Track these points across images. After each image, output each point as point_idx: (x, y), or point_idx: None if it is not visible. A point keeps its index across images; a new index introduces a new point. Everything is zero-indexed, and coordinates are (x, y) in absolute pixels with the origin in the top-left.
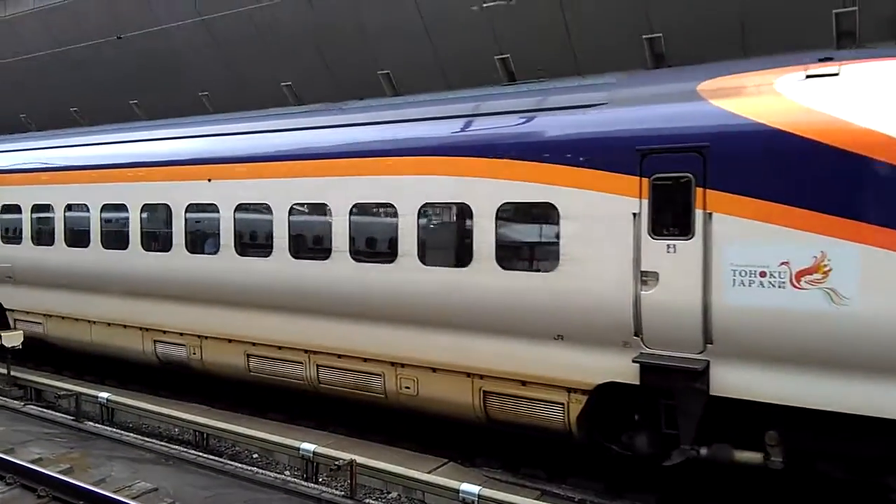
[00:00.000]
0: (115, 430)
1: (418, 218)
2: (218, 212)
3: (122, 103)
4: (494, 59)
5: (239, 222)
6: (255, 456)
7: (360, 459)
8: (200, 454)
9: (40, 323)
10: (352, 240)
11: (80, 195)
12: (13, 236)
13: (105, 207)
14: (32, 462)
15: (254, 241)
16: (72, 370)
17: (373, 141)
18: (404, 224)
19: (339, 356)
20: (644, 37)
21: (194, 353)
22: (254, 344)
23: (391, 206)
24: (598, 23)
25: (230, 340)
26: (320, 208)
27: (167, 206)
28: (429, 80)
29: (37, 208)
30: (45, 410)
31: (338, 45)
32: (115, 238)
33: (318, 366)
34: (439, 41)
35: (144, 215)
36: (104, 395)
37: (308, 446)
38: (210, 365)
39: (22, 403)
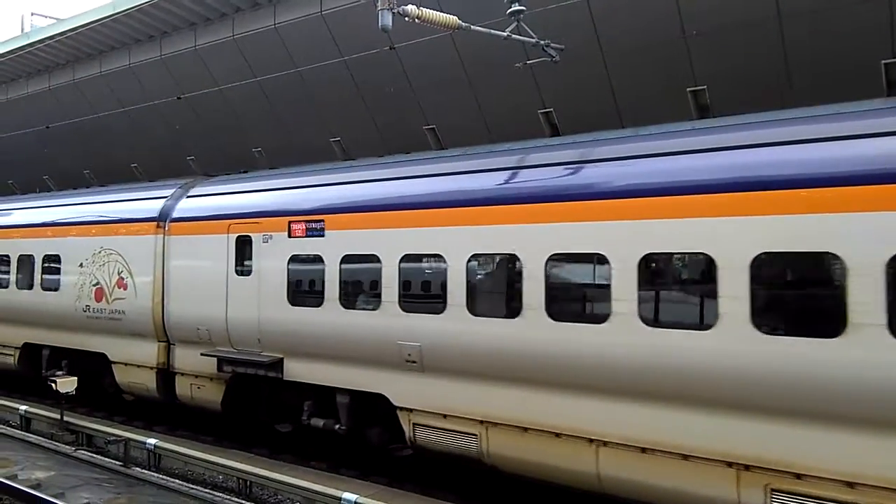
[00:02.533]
0: (161, 476)
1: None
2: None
3: (180, 159)
4: (538, 113)
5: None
6: None
7: None
8: (243, 502)
9: None
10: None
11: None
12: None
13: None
14: None
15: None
16: (123, 415)
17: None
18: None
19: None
20: (688, 89)
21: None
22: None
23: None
24: (642, 75)
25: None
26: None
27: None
28: (472, 133)
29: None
30: (94, 456)
31: (385, 102)
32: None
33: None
34: (483, 96)
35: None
36: (152, 441)
37: (350, 496)
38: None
39: (73, 448)
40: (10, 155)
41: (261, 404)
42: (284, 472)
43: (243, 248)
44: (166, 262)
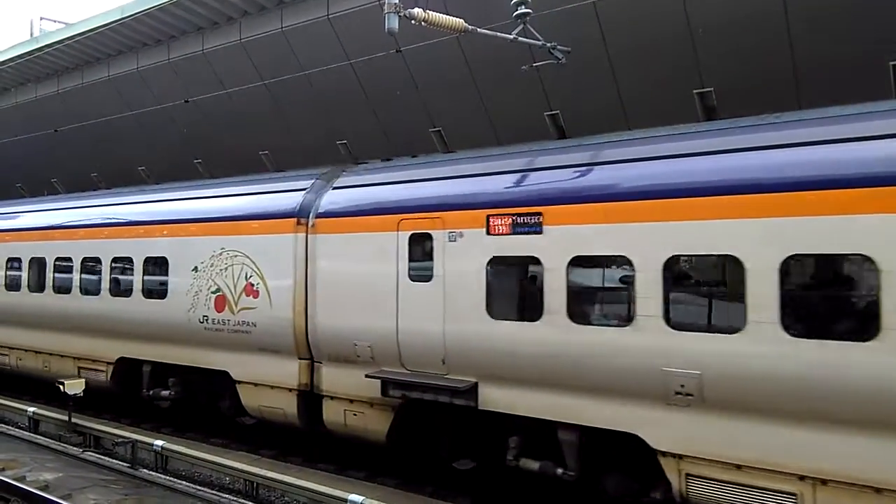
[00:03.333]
0: (168, 477)
1: None
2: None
3: (187, 162)
4: (545, 115)
5: None
6: None
7: None
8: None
9: None
10: None
11: None
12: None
13: None
14: None
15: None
16: (130, 417)
17: None
18: None
19: None
20: (695, 91)
21: None
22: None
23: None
24: (648, 77)
25: None
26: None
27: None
28: (479, 136)
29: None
30: (102, 457)
31: (391, 104)
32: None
33: None
34: (490, 99)
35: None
36: (159, 443)
37: (356, 497)
38: None
39: (81, 450)
40: (20, 158)
41: (440, 437)
42: (291, 473)
43: (419, 247)
44: (311, 264)
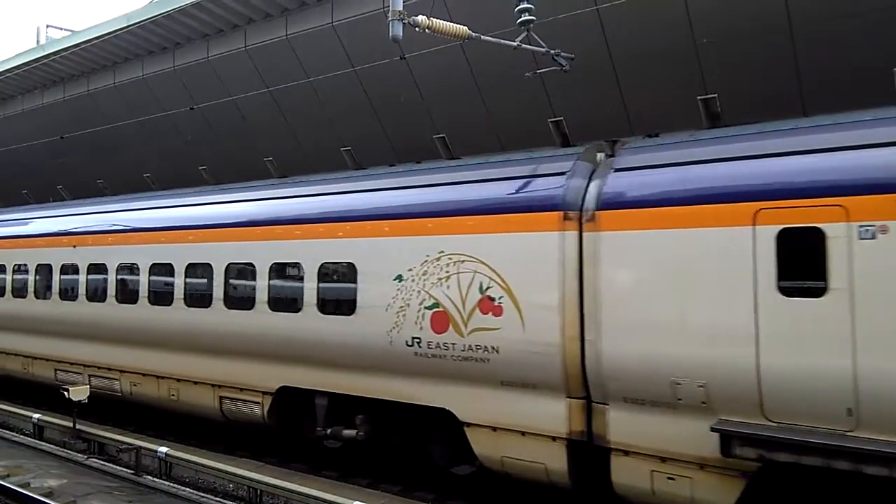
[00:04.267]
0: (172, 484)
1: None
2: None
3: (192, 169)
4: (548, 122)
5: None
6: None
7: None
8: None
9: None
10: None
11: None
12: None
13: None
14: None
15: None
16: (134, 424)
17: None
18: None
19: None
20: (699, 97)
21: None
22: None
23: None
24: (652, 83)
25: None
26: None
27: None
28: (482, 142)
29: None
30: (106, 464)
31: (395, 111)
32: None
33: None
34: (493, 106)
35: None
36: (163, 449)
37: None
38: None
39: (85, 456)
40: (25, 165)
41: None
42: (295, 480)
43: (798, 248)
44: (590, 272)
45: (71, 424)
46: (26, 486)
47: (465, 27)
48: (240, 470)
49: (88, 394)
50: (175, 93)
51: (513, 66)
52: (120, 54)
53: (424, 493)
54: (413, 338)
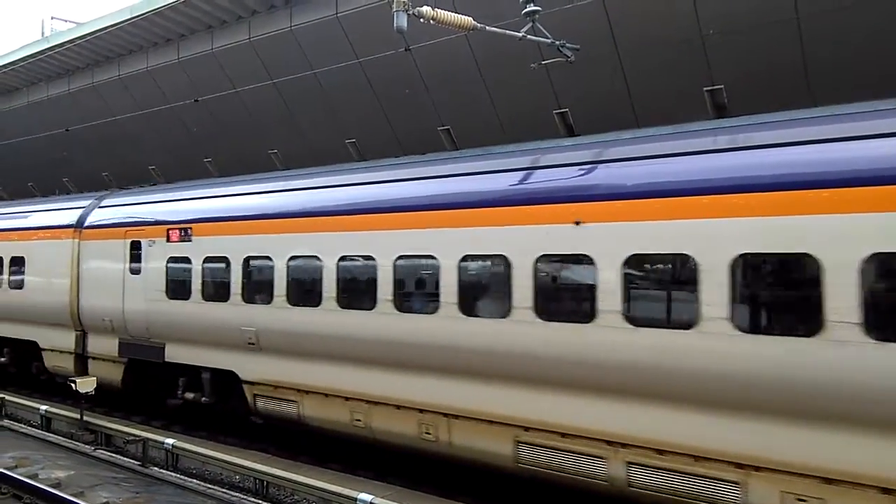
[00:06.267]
0: (179, 475)
1: None
2: None
3: (197, 161)
4: (553, 113)
5: None
6: None
7: None
8: (260, 502)
9: None
10: None
11: None
12: None
13: None
14: None
15: None
16: (141, 415)
17: None
18: None
19: None
20: (705, 89)
21: None
22: None
23: None
24: (658, 75)
25: None
26: None
27: None
28: (487, 134)
29: None
30: (113, 455)
31: (400, 103)
32: None
33: None
34: (498, 97)
35: None
36: (170, 441)
37: (366, 496)
38: None
39: (92, 448)
40: (30, 157)
41: None
42: (302, 472)
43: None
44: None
45: (78, 416)
46: (34, 477)
47: (470, 18)
48: (247, 462)
49: (95, 385)
50: (179, 85)
51: (518, 58)
52: (124, 46)
53: (429, 488)
54: None
